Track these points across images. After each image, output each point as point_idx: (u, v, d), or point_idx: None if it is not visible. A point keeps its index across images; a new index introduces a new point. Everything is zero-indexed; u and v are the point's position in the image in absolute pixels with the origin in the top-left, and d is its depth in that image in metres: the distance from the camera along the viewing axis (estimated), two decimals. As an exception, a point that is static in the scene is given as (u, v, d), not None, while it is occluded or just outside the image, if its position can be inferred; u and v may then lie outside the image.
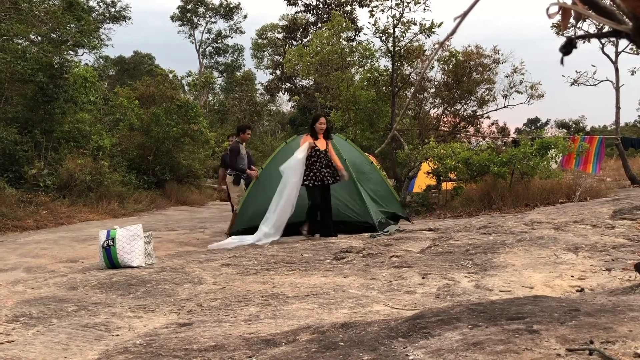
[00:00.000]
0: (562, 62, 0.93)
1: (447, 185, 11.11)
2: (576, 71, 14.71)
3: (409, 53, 13.30)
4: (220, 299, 3.15)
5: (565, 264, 3.54)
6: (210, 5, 36.44)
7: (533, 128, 44.26)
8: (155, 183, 14.68)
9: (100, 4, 28.12)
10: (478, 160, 9.54)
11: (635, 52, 14.10)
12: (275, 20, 40.98)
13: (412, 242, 4.91)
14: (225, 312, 2.83)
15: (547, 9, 0.87)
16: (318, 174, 6.28)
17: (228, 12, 36.69)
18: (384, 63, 16.27)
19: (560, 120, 36.93)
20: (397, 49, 12.96)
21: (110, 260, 4.55)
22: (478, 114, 15.24)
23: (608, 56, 14.17)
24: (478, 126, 16.10)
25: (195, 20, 36.96)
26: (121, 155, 13.89)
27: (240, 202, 7.36)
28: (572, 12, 0.88)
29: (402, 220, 7.85)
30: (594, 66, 14.95)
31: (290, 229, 6.53)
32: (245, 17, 37.63)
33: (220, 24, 39.58)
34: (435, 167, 10.32)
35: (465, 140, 15.02)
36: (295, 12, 29.61)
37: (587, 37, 1.11)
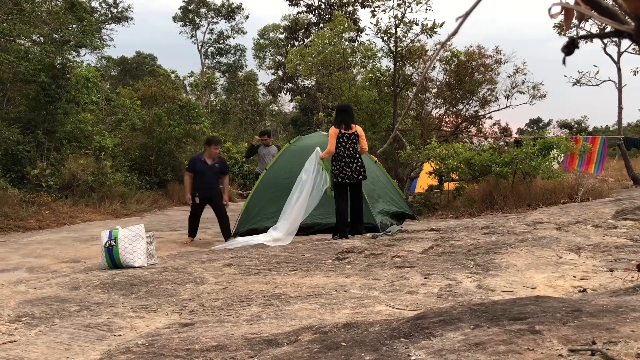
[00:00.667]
0: (564, 62, 0.93)
1: (449, 186, 11.11)
2: (578, 71, 14.71)
3: (411, 53, 13.28)
4: (222, 299, 3.15)
5: (567, 265, 3.53)
6: (212, 6, 36.46)
7: (535, 128, 44.13)
8: (157, 183, 14.69)
9: (103, 4, 28.16)
10: (480, 160, 9.54)
11: (637, 53, 14.07)
12: (277, 20, 40.97)
13: (414, 242, 4.91)
14: (227, 312, 2.83)
15: (549, 9, 0.87)
16: (347, 169, 6.07)
17: (230, 13, 36.69)
18: (386, 63, 16.26)
19: (562, 121, 36.83)
20: (399, 49, 12.94)
21: (113, 260, 4.55)
22: (480, 114, 15.23)
23: (610, 56, 14.16)
24: (480, 126, 16.07)
25: (197, 20, 36.96)
26: (123, 156, 13.90)
27: (244, 204, 7.37)
28: (575, 12, 0.88)
29: (406, 219, 7.87)
30: (596, 66, 14.90)
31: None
32: (247, 17, 37.68)
33: (222, 25, 39.64)
34: (437, 167, 10.31)
35: (467, 141, 15.00)
36: (297, 13, 29.60)
37: (589, 37, 1.11)
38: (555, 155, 9.86)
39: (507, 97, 14.38)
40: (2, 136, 10.34)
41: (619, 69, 14.11)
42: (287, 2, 29.11)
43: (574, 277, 3.23)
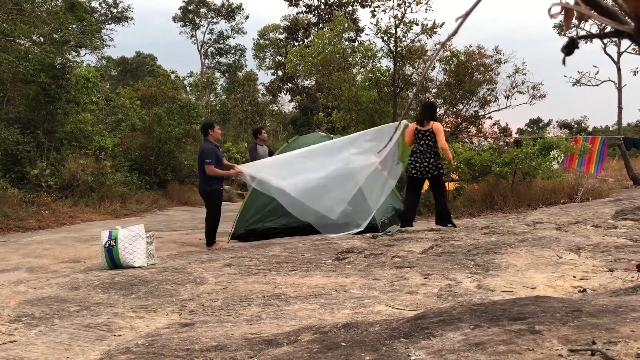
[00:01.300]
0: (564, 62, 0.93)
1: (449, 186, 11.10)
2: (578, 71, 14.74)
3: (411, 53, 13.29)
4: (222, 299, 3.15)
5: (567, 265, 3.53)
6: (212, 6, 36.48)
7: (535, 128, 44.15)
8: (157, 183, 14.69)
9: (103, 4, 28.17)
10: (480, 160, 9.54)
11: (637, 53, 14.08)
12: (276, 20, 40.96)
13: (413, 242, 4.91)
14: (227, 312, 2.83)
15: (549, 9, 0.87)
16: (416, 164, 6.26)
17: (230, 13, 36.71)
18: (386, 63, 16.28)
19: (562, 121, 36.86)
20: (398, 49, 12.95)
21: (112, 260, 4.55)
22: (480, 114, 15.24)
23: (610, 56, 14.17)
24: (480, 126, 16.08)
25: (197, 20, 36.98)
26: (123, 156, 13.90)
27: (242, 204, 7.34)
28: (575, 12, 0.88)
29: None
30: (596, 66, 14.93)
31: (292, 230, 6.53)
32: (247, 17, 37.68)
33: (222, 25, 39.66)
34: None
35: (467, 141, 15.00)
36: (297, 13, 29.62)
37: (589, 37, 1.11)
38: (555, 155, 9.87)
39: (506, 97, 14.40)
40: (2, 136, 10.34)
41: (618, 69, 14.12)
42: (287, 2, 29.13)
43: (574, 277, 3.23)
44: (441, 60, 13.92)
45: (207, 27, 37.44)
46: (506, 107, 14.55)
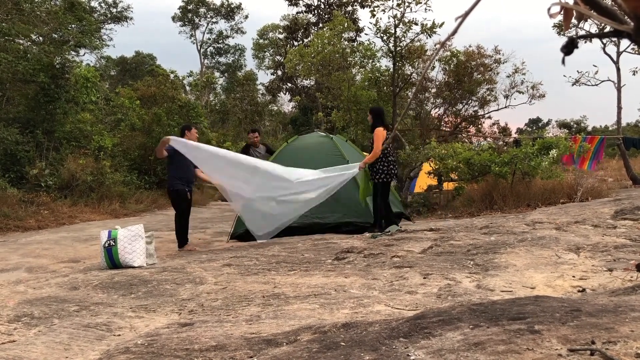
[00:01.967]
0: (563, 62, 0.93)
1: (448, 186, 11.11)
2: (578, 71, 14.72)
3: (410, 53, 13.28)
4: (221, 299, 3.15)
5: (566, 264, 3.54)
6: (212, 6, 36.47)
7: (534, 128, 44.16)
8: (156, 183, 14.68)
9: (102, 4, 28.17)
10: (479, 160, 9.54)
11: (636, 52, 14.08)
12: (276, 20, 41.07)
13: (413, 242, 4.91)
14: (226, 312, 2.83)
15: (549, 9, 0.87)
16: (392, 168, 6.26)
17: (229, 13, 36.70)
18: (385, 63, 16.24)
19: (561, 120, 36.84)
20: (398, 49, 12.94)
21: (112, 260, 4.55)
22: (479, 114, 15.23)
23: (610, 56, 14.17)
24: (479, 126, 16.08)
25: (197, 20, 36.97)
26: (122, 156, 13.90)
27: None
28: (574, 12, 0.88)
29: (402, 220, 7.86)
30: (595, 66, 14.93)
31: (291, 230, 6.53)
32: (246, 17, 37.67)
33: (222, 24, 39.60)
34: (436, 167, 10.32)
35: (466, 141, 15.00)
36: (297, 13, 29.62)
37: (588, 37, 1.11)
38: (555, 155, 9.87)
39: (506, 97, 14.39)
40: (1, 136, 10.33)
41: (618, 69, 14.12)
42: (287, 2, 29.12)
43: (573, 277, 3.23)
44: (441, 60, 13.92)
45: (206, 27, 37.47)
46: (505, 107, 14.55)
